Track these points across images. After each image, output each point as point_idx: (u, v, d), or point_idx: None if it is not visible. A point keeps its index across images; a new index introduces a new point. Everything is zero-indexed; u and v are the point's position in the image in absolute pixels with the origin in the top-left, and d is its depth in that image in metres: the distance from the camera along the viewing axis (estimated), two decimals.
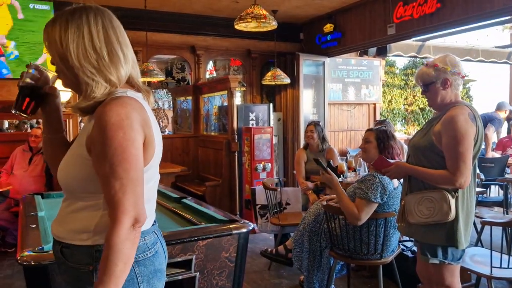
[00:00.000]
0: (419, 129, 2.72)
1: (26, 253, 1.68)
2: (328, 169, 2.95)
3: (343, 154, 6.78)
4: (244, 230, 2.08)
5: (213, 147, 5.77)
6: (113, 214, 1.04)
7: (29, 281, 1.66)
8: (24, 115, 1.23)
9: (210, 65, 8.01)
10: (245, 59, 6.63)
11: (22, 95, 1.21)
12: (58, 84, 1.30)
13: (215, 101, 5.88)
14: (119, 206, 1.04)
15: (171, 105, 7.12)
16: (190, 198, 2.87)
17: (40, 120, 5.53)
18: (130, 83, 1.22)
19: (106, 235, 1.04)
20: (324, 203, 2.99)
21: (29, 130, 6.13)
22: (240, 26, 3.93)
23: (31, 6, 5.19)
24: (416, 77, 2.25)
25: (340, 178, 3.83)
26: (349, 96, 7.30)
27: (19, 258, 1.66)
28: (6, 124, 7.15)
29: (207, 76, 6.89)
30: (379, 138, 2.79)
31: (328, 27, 6.11)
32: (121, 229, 1.03)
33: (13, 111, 1.22)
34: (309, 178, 4.23)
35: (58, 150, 1.30)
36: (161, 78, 5.14)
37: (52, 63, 1.19)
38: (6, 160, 4.74)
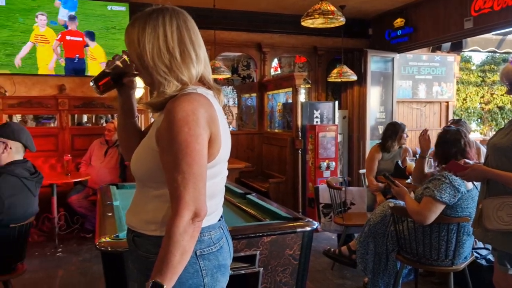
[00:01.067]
0: (498, 129, 2.53)
1: (103, 240, 1.80)
2: (396, 181, 2.85)
3: (412, 154, 6.50)
4: (308, 228, 2.06)
5: (277, 144, 5.79)
6: (174, 206, 1.08)
7: (106, 265, 1.78)
8: (97, 89, 1.30)
9: (275, 62, 8.04)
10: (311, 56, 6.57)
11: (106, 72, 1.29)
12: (139, 81, 1.37)
13: (279, 98, 5.89)
14: (180, 199, 1.07)
15: (236, 102, 7.24)
16: (254, 194, 2.90)
17: (115, 115, 5.90)
18: (201, 81, 1.25)
19: (166, 226, 1.08)
20: (392, 204, 2.89)
21: (104, 124, 6.54)
22: (307, 23, 3.90)
23: (109, 8, 5.53)
24: (501, 75, 2.09)
25: (408, 180, 3.69)
26: (420, 93, 6.98)
27: (97, 244, 1.78)
28: (85, 118, 7.66)
29: (272, 73, 6.92)
30: None
31: (399, 22, 5.87)
32: (181, 222, 1.06)
33: (91, 83, 1.30)
34: (376, 178, 4.12)
35: (130, 133, 1.39)
36: (227, 75, 5.24)
37: (132, 62, 1.25)
38: (85, 152, 5.11)
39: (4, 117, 5.27)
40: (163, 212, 1.17)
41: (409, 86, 6.91)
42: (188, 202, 1.07)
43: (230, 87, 9.17)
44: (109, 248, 1.74)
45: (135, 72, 1.28)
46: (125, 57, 1.27)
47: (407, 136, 4.32)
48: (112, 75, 1.29)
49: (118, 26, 5.51)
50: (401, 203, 2.85)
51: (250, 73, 8.40)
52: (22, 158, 2.53)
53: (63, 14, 5.35)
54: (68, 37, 5.38)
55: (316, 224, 2.12)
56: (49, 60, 5.33)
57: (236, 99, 7.21)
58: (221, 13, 5.64)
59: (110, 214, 2.25)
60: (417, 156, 4.01)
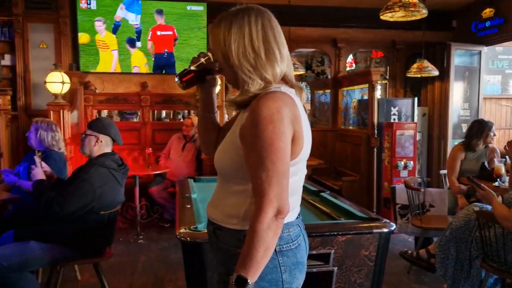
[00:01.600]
0: None
1: (183, 230, 1.88)
2: (482, 184, 2.65)
3: (501, 155, 6.00)
4: (386, 230, 2.00)
5: (351, 141, 5.66)
6: (258, 202, 1.10)
7: (185, 255, 1.87)
8: (181, 84, 1.36)
9: (350, 57, 7.84)
10: (388, 51, 6.33)
11: (190, 69, 1.35)
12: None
13: (354, 94, 5.75)
14: (264, 196, 1.09)
15: (309, 98, 7.20)
16: (328, 192, 2.86)
17: (192, 111, 6.14)
18: (284, 80, 1.26)
19: (250, 222, 1.11)
20: (477, 208, 2.71)
21: (181, 120, 6.83)
22: (386, 17, 3.75)
23: (188, 8, 5.76)
24: None
25: (496, 183, 3.42)
26: (510, 89, 6.42)
27: (177, 234, 1.87)
28: (163, 113, 8.07)
29: (347, 69, 6.77)
30: None
31: (488, 12, 5.45)
32: (264, 218, 1.08)
33: (175, 78, 1.37)
34: (459, 179, 3.87)
35: (209, 128, 1.44)
36: (301, 71, 5.22)
37: (216, 60, 1.30)
38: (165, 145, 5.38)
39: (94, 112, 5.72)
40: (244, 206, 1.20)
41: (498, 81, 6.40)
42: (272, 199, 1.09)
43: (303, 83, 9.13)
44: (188, 239, 1.81)
45: (218, 70, 1.32)
46: (209, 55, 1.32)
47: (494, 135, 4.01)
48: (196, 72, 1.35)
49: (197, 26, 5.73)
50: (488, 207, 2.65)
51: (324, 69, 8.28)
52: (110, 151, 2.74)
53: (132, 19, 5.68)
54: (159, 32, 5.67)
55: (393, 226, 2.04)
56: (137, 63, 5.70)
57: (310, 95, 7.16)
58: (295, 9, 5.62)
59: (189, 206, 2.35)
60: (506, 158, 3.71)
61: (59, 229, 2.47)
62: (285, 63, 1.25)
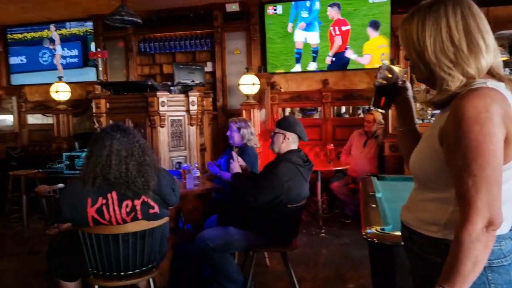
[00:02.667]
0: None
1: (370, 231, 1.86)
2: None
3: None
4: None
5: None
6: (464, 211, 1.01)
7: (372, 255, 1.84)
8: (381, 110, 1.35)
9: None
10: None
11: (378, 93, 1.33)
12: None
13: None
14: (471, 204, 1.00)
15: None
16: None
17: (371, 107, 5.98)
18: (490, 73, 1.12)
19: (455, 232, 1.02)
20: None
21: (361, 115, 6.73)
22: None
23: (370, 0, 5.61)
24: None
25: None
26: None
27: (364, 233, 1.86)
28: (343, 109, 8.09)
29: None
30: None
31: None
32: (472, 229, 0.99)
33: (371, 108, 1.36)
34: None
35: (411, 141, 1.34)
36: (505, 57, 4.53)
37: (407, 58, 1.23)
38: (346, 141, 5.40)
39: (279, 110, 6.12)
40: (446, 215, 1.12)
41: None
42: (481, 208, 0.99)
43: (506, 69, 7.91)
44: (375, 240, 1.79)
45: (403, 80, 1.27)
46: (385, 71, 1.29)
47: None
48: (383, 93, 1.33)
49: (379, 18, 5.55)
50: None
51: None
52: (296, 148, 2.89)
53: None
54: (344, 28, 5.72)
55: None
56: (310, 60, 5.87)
57: None
58: None
59: (374, 205, 2.31)
60: None
61: (253, 218, 2.74)
62: (491, 53, 1.10)
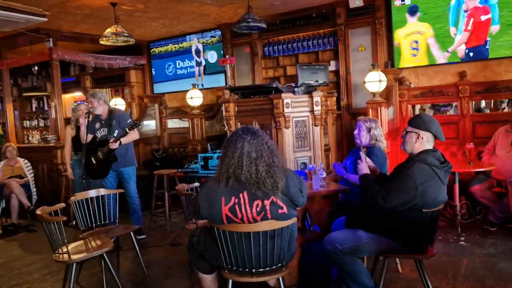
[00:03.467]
0: None
1: None
2: None
3: None
4: None
5: None
6: None
7: None
8: None
9: None
10: None
11: None
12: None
13: None
14: None
15: None
16: None
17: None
18: None
19: None
20: None
21: (506, 110, 5.95)
22: None
23: None
24: None
25: None
26: None
27: None
28: (483, 103, 7.25)
29: None
30: None
31: None
32: None
33: None
34: None
35: None
36: None
37: None
38: (488, 140, 4.82)
39: (409, 107, 5.75)
40: None
41: None
42: None
43: None
44: None
45: None
46: None
47: None
48: None
49: None
50: None
51: None
52: (432, 148, 2.67)
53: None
54: (483, 17, 5.15)
55: None
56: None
57: None
58: None
59: None
60: None
61: (384, 221, 2.60)
62: None
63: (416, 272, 2.78)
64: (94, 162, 4.53)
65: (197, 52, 7.62)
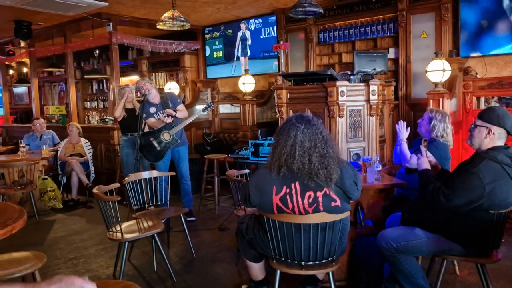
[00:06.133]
0: None
1: None
2: None
3: None
4: None
5: None
6: None
7: None
8: None
9: None
10: None
11: None
12: None
13: None
14: None
15: None
16: None
17: None
18: None
19: None
20: None
21: None
22: None
23: None
24: None
25: None
26: None
27: None
28: None
29: None
30: None
31: None
32: None
33: None
34: None
35: None
36: None
37: None
38: None
39: (473, 99, 5.37)
40: None
41: None
42: None
43: None
44: None
45: None
46: None
47: None
48: None
49: None
50: None
51: None
52: (503, 144, 2.45)
53: None
54: None
55: None
56: None
57: None
58: None
59: None
60: None
61: (445, 221, 2.43)
62: None
63: (475, 276, 2.60)
64: (156, 145, 4.64)
65: (244, 39, 7.57)
